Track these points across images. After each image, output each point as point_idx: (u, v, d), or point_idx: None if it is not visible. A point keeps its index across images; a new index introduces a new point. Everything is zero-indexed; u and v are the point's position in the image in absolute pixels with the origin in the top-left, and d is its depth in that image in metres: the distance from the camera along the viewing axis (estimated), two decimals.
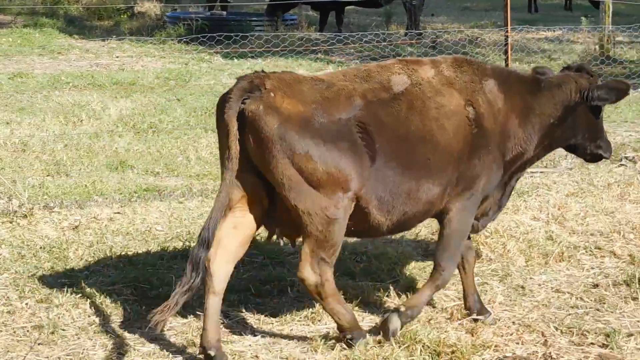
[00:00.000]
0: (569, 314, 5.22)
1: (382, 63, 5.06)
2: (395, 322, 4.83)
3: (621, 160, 8.66)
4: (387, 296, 5.44)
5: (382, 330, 4.85)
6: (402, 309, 4.90)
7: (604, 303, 5.37)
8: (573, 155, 5.67)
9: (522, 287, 5.66)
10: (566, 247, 6.25)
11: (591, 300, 5.44)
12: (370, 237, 5.70)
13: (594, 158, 5.49)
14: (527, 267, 6.00)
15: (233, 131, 4.54)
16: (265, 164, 4.57)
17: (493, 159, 4.99)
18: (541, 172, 8.41)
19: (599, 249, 6.30)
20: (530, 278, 5.83)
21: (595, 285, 5.66)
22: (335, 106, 4.68)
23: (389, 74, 4.91)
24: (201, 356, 4.59)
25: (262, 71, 4.73)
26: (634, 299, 5.40)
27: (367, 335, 4.79)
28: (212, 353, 4.57)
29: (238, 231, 4.67)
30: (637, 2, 21.02)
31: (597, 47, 15.38)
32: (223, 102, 4.62)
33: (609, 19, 15.52)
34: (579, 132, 5.31)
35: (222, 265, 4.63)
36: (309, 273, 4.65)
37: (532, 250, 6.17)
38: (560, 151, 5.79)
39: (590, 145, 5.38)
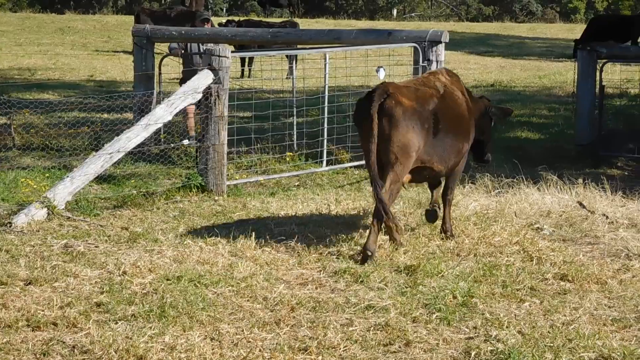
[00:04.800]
0: None
1: (424, 75, 10.20)
2: (449, 234, 9.61)
3: None
4: None
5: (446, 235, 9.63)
6: (445, 228, 9.66)
7: None
8: None
9: None
10: None
11: None
12: (435, 179, 9.74)
13: (484, 160, 10.38)
14: None
15: (375, 120, 8.69)
16: (390, 136, 8.79)
17: (473, 128, 9.66)
18: None
19: None
20: None
21: None
22: (426, 101, 9.08)
23: (433, 80, 9.50)
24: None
25: (384, 82, 9.31)
26: None
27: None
28: (369, 252, 8.73)
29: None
30: None
31: None
32: (369, 102, 8.77)
33: None
34: (484, 132, 10.06)
35: None
36: (385, 197, 8.73)
37: None
38: None
39: (485, 147, 10.21)
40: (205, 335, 6.96)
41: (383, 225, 8.87)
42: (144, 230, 9.91)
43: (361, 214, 10.65)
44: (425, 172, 9.32)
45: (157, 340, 6.78)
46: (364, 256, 8.75)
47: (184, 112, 13.07)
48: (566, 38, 36.39)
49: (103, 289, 7.87)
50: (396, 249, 9.08)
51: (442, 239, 9.62)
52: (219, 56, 11.92)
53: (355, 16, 56.54)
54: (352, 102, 14.43)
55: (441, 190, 9.88)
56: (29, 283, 8.02)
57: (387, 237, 9.26)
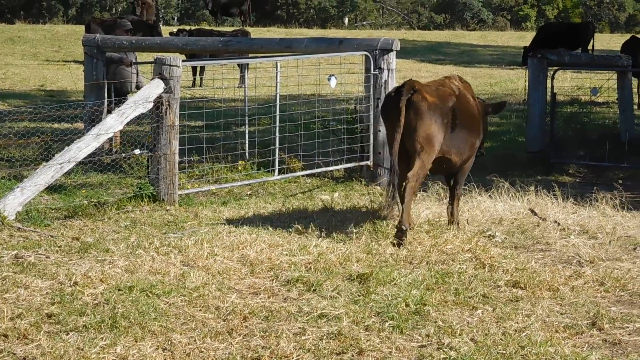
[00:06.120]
0: None
1: (440, 78, 10.85)
2: (454, 226, 10.43)
3: None
4: None
5: (453, 224, 10.53)
6: (453, 219, 10.60)
7: None
8: None
9: None
10: None
11: None
12: (451, 171, 10.71)
13: (480, 154, 11.11)
14: None
15: (403, 112, 9.77)
16: (416, 127, 9.86)
17: (482, 128, 10.78)
18: None
19: None
20: None
21: None
22: (445, 99, 10.20)
23: (449, 82, 10.56)
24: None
25: (410, 80, 10.21)
26: None
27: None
28: (404, 227, 9.74)
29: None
30: None
31: None
32: (397, 96, 9.90)
33: None
34: (485, 130, 11.02)
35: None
36: (413, 178, 9.76)
37: None
38: None
39: (483, 143, 11.10)
40: (158, 346, 6.94)
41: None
42: (95, 240, 9.85)
43: (313, 222, 10.66)
44: (444, 163, 10.33)
45: (109, 351, 6.75)
46: (399, 232, 9.78)
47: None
48: (517, 46, 36.68)
49: (54, 299, 7.82)
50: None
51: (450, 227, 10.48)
52: (170, 65, 11.89)
53: (306, 25, 56.63)
54: (304, 110, 14.51)
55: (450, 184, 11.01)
56: None
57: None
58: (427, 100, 9.99)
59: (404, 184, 9.81)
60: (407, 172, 9.85)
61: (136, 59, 16.17)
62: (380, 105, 10.62)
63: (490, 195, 12.05)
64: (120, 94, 15.11)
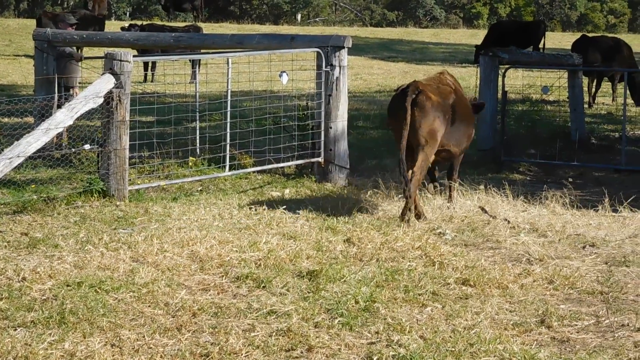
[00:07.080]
0: None
1: (435, 75, 11.98)
2: (452, 198, 11.79)
3: None
4: None
5: (449, 201, 11.75)
6: (451, 197, 11.81)
7: None
8: None
9: None
10: None
11: None
12: (450, 160, 11.88)
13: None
14: None
15: (409, 110, 10.70)
16: (420, 124, 10.84)
17: (472, 118, 11.89)
18: None
19: None
20: None
21: None
22: (447, 96, 11.23)
23: (444, 79, 11.67)
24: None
25: (415, 80, 11.23)
26: None
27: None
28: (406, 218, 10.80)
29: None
30: None
31: None
32: (403, 96, 10.85)
33: None
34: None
35: None
36: (418, 171, 10.75)
37: None
38: None
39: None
40: (106, 342, 6.91)
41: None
42: (44, 235, 9.79)
43: (263, 219, 10.67)
44: (444, 154, 11.43)
45: (57, 347, 6.72)
46: (403, 218, 10.75)
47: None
48: (469, 43, 36.89)
49: (2, 295, 7.76)
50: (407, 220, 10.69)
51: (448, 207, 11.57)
52: (120, 60, 11.82)
53: (259, 21, 56.53)
54: (256, 106, 14.51)
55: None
56: None
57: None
58: (431, 99, 10.96)
59: (409, 177, 10.70)
60: (412, 164, 10.83)
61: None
62: (388, 105, 11.60)
63: (440, 193, 12.12)
64: (67, 89, 15.03)
